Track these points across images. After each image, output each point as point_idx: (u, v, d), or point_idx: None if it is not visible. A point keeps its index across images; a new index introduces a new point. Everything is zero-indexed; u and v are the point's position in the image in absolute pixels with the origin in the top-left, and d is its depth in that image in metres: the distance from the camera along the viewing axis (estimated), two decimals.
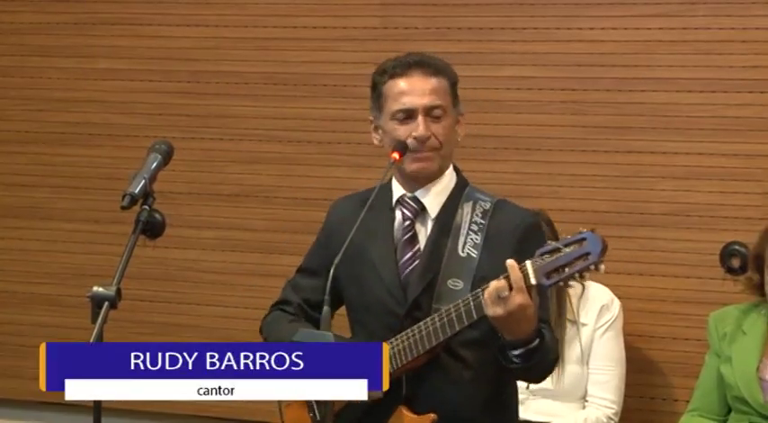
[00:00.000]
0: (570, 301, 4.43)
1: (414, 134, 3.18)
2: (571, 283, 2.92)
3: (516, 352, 3.00)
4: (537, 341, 3.00)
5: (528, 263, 2.92)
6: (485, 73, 4.89)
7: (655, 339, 4.71)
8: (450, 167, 3.28)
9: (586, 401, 4.45)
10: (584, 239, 2.89)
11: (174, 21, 5.33)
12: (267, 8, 5.22)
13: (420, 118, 3.18)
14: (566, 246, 2.89)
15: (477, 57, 4.91)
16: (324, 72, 5.12)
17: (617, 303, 4.51)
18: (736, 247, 4.42)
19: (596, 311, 4.46)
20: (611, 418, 4.43)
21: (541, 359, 3.05)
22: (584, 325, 4.44)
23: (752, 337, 4.09)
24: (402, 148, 3.18)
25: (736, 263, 4.40)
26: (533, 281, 2.90)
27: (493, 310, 2.94)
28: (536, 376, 3.21)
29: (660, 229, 4.72)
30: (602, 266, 2.88)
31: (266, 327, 3.43)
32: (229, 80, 5.25)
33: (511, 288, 2.91)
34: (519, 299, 2.91)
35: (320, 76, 5.13)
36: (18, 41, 5.51)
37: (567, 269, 2.89)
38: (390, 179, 3.31)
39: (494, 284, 2.93)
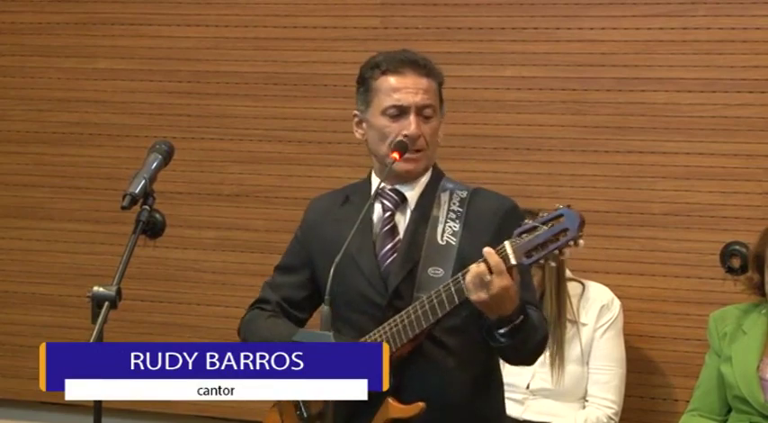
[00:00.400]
0: (570, 301, 4.43)
1: (405, 132, 3.18)
2: (552, 262, 2.92)
3: (502, 330, 3.01)
4: (521, 318, 3.01)
5: (507, 243, 2.92)
6: (485, 73, 4.89)
7: (655, 339, 4.71)
8: None
9: (586, 401, 4.45)
10: (561, 216, 2.89)
11: (175, 21, 5.33)
12: (267, 8, 5.22)
13: (412, 116, 3.19)
14: (543, 223, 2.89)
15: (477, 57, 4.91)
16: (324, 72, 5.12)
17: (617, 303, 4.51)
18: (737, 246, 4.42)
19: (596, 311, 4.46)
20: (612, 418, 4.42)
21: (527, 336, 3.05)
22: (584, 325, 4.44)
23: (752, 337, 4.09)
24: (402, 147, 3.18)
25: (736, 263, 4.40)
26: (513, 261, 2.91)
27: (477, 296, 2.95)
28: (526, 356, 3.19)
29: (660, 229, 4.72)
30: (581, 241, 2.88)
31: (244, 326, 3.41)
32: (229, 80, 5.25)
33: (491, 272, 2.92)
34: (501, 281, 2.92)
35: (320, 76, 5.13)
36: (18, 41, 5.51)
37: (546, 246, 2.89)
38: (369, 174, 3.32)
39: (474, 270, 2.95)
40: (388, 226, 3.24)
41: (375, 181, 3.29)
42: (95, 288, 2.85)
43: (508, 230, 3.00)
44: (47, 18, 5.47)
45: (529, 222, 2.92)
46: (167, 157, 3.15)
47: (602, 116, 4.79)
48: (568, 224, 2.87)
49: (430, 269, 3.15)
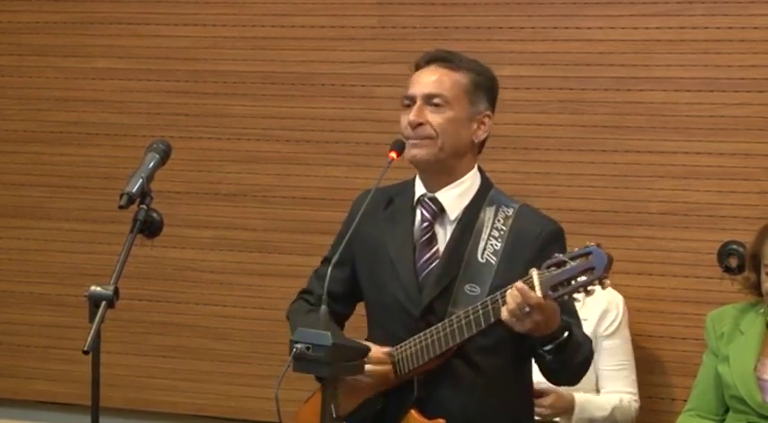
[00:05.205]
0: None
1: (408, 120, 3.19)
2: (576, 296, 2.92)
3: (547, 347, 3.01)
4: (565, 335, 3.01)
5: (535, 275, 2.91)
6: None
7: (653, 339, 4.71)
8: (474, 169, 3.26)
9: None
10: (589, 253, 2.88)
11: (172, 20, 5.32)
12: (265, 8, 5.21)
13: (416, 105, 3.19)
14: (572, 259, 2.89)
15: (474, 56, 4.84)
16: (322, 71, 5.12)
17: (620, 299, 4.50)
18: (734, 246, 4.42)
19: (599, 309, 4.44)
20: (636, 411, 4.42)
21: (572, 353, 3.05)
22: (584, 320, 4.43)
23: (749, 337, 4.09)
24: (399, 147, 3.18)
25: (733, 262, 4.40)
26: (539, 293, 2.90)
27: (521, 327, 2.94)
28: (571, 373, 3.18)
29: (658, 229, 4.72)
30: (607, 281, 2.87)
31: (291, 315, 3.41)
32: (227, 79, 5.25)
33: (530, 305, 2.90)
34: (542, 312, 2.91)
35: (318, 76, 5.13)
36: (16, 41, 5.50)
37: (571, 283, 2.88)
38: (415, 176, 3.31)
39: (511, 304, 2.92)
40: (427, 235, 3.22)
41: (418, 184, 3.27)
42: (93, 287, 2.85)
43: (548, 255, 2.98)
44: (45, 17, 5.47)
45: (558, 256, 2.92)
46: (165, 156, 3.14)
47: (600, 115, 4.79)
48: (595, 263, 2.86)
49: (467, 286, 3.13)
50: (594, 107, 4.80)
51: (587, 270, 2.86)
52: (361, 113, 5.04)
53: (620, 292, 4.56)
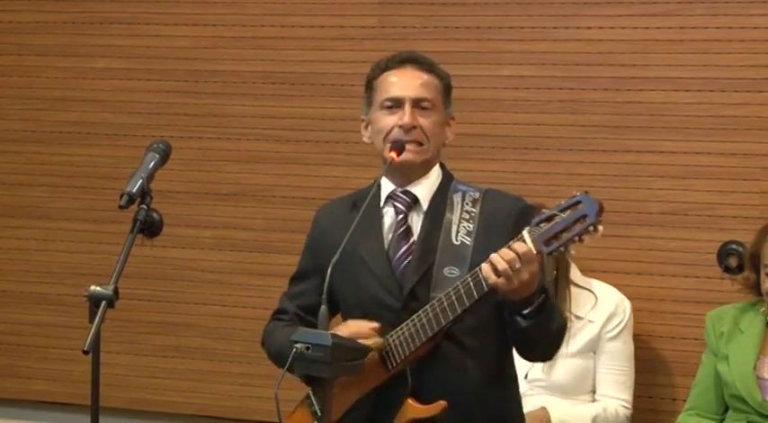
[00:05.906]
0: (570, 297, 4.41)
1: (398, 123, 3.19)
2: (572, 250, 2.92)
3: (526, 311, 3.01)
4: (542, 297, 3.02)
5: (525, 232, 2.92)
6: (482, 72, 4.89)
7: (653, 338, 4.71)
8: (438, 164, 3.30)
9: (598, 401, 4.42)
10: (579, 202, 2.89)
11: (172, 20, 5.33)
12: (265, 7, 5.22)
13: (407, 107, 3.20)
14: (561, 211, 2.89)
15: (474, 56, 4.92)
16: (322, 71, 5.12)
17: (627, 304, 4.50)
18: (734, 246, 4.42)
19: (606, 312, 4.43)
20: (628, 418, 4.40)
21: (549, 317, 3.05)
22: (590, 322, 4.43)
23: (749, 336, 4.09)
24: (399, 147, 3.18)
25: (733, 262, 4.41)
26: (533, 250, 2.90)
27: (509, 286, 2.94)
28: (547, 342, 3.17)
29: (658, 229, 4.72)
30: (600, 227, 2.88)
31: (265, 338, 3.40)
32: (227, 79, 5.25)
33: (521, 260, 2.90)
34: (530, 268, 2.92)
35: (318, 76, 5.13)
36: (16, 41, 5.50)
37: (564, 234, 2.88)
38: (376, 178, 3.31)
39: (504, 260, 2.92)
40: (402, 228, 3.23)
41: (384, 183, 3.28)
42: (92, 287, 2.86)
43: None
44: (45, 17, 5.47)
45: (546, 211, 2.92)
46: (165, 156, 3.15)
47: (600, 115, 4.79)
48: (587, 210, 2.87)
49: (445, 269, 3.14)
50: (594, 107, 4.80)
51: (580, 218, 2.87)
52: (360, 113, 5.03)
53: (620, 292, 4.57)
